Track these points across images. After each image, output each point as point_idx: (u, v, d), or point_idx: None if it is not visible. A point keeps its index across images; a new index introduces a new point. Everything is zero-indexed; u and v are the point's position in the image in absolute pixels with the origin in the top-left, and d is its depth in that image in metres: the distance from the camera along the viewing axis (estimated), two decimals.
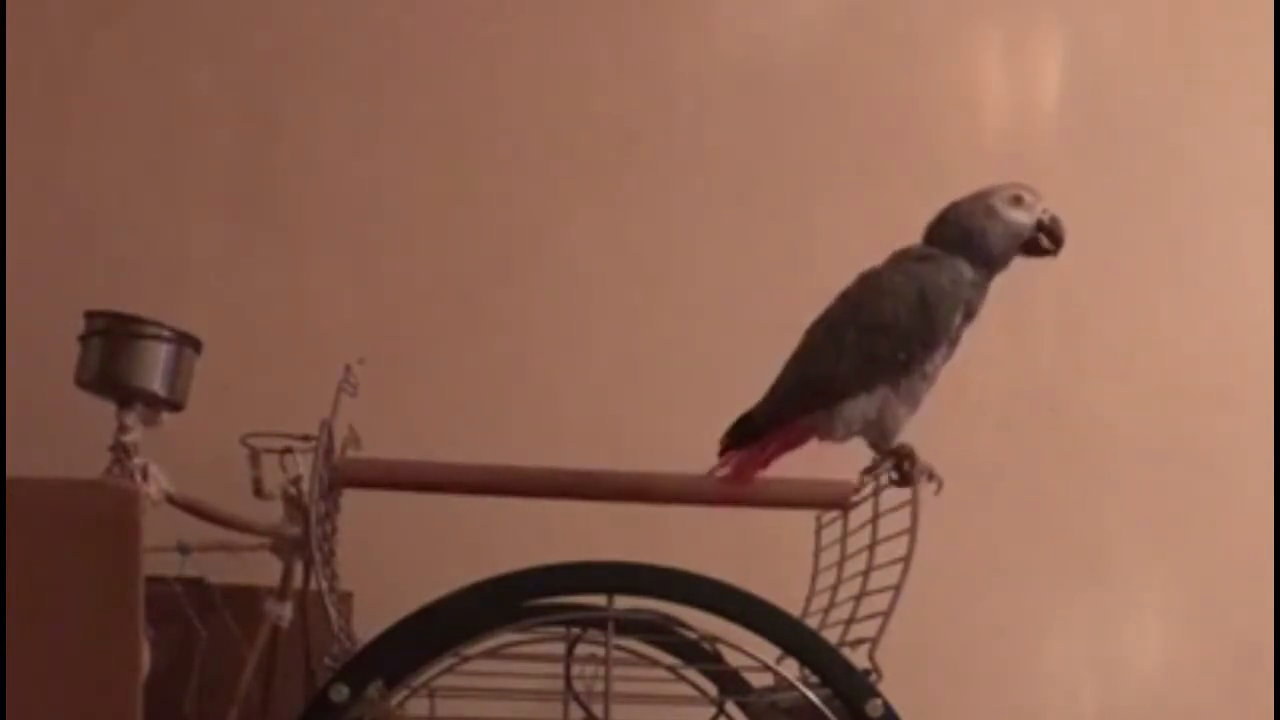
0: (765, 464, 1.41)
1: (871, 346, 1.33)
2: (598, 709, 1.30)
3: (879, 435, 1.35)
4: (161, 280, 2.10)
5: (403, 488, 1.62)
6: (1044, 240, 1.34)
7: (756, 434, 1.38)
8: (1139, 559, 2.19)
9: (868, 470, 1.40)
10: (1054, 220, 1.34)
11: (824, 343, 1.37)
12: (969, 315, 1.34)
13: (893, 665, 1.26)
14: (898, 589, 1.29)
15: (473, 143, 2.19)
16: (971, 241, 1.33)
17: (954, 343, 1.33)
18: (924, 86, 2.25)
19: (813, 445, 1.40)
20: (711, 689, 1.47)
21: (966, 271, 1.32)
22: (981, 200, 1.35)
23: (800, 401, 1.37)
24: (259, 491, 1.72)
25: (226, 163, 2.16)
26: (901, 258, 1.36)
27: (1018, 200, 1.34)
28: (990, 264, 1.34)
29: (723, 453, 1.40)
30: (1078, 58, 2.28)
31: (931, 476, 1.33)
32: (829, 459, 1.42)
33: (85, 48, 2.15)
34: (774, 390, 1.39)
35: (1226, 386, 2.22)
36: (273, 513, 1.74)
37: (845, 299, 1.38)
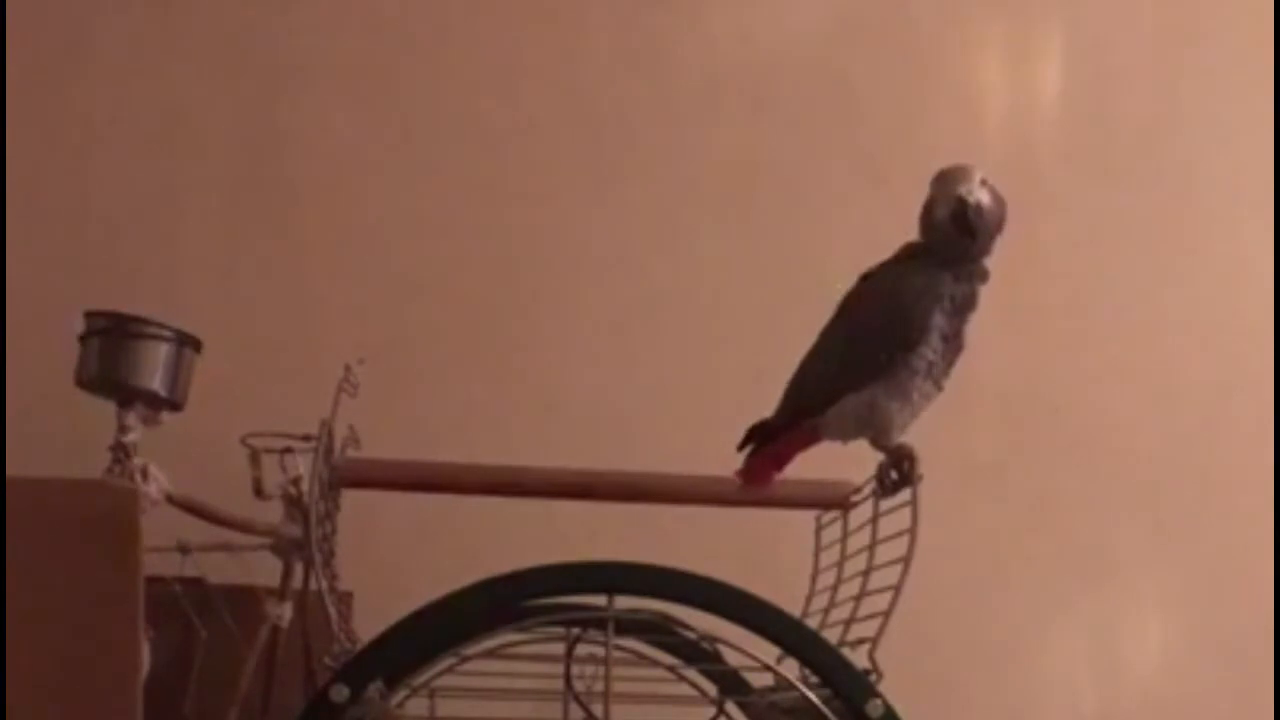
0: (780, 466, 1.42)
1: (853, 348, 1.34)
2: (598, 709, 1.30)
3: (876, 433, 1.35)
4: (161, 280, 2.10)
5: (403, 488, 1.63)
6: (964, 228, 1.28)
7: (770, 437, 1.39)
8: (1139, 559, 2.19)
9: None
10: (959, 202, 1.27)
11: (816, 347, 1.39)
12: (964, 308, 1.32)
13: (893, 665, 1.26)
14: (898, 589, 1.29)
15: (474, 143, 2.19)
16: (935, 235, 1.31)
17: (949, 337, 1.32)
18: (924, 87, 2.26)
19: (816, 445, 1.40)
20: (711, 689, 1.47)
21: (948, 265, 1.30)
22: (934, 189, 1.32)
23: (800, 405, 1.38)
24: (259, 491, 1.72)
25: (226, 163, 2.16)
26: (894, 258, 1.36)
27: (941, 190, 1.30)
28: (959, 253, 1.30)
29: (748, 459, 1.41)
30: (1078, 58, 2.28)
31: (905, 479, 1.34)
32: (830, 459, 1.42)
33: (85, 47, 2.15)
34: (784, 394, 1.40)
35: (1226, 387, 2.22)
36: (273, 513, 1.74)
37: (840, 303, 1.39)
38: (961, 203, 1.28)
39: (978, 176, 1.30)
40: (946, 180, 1.30)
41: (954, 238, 1.29)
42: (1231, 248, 2.26)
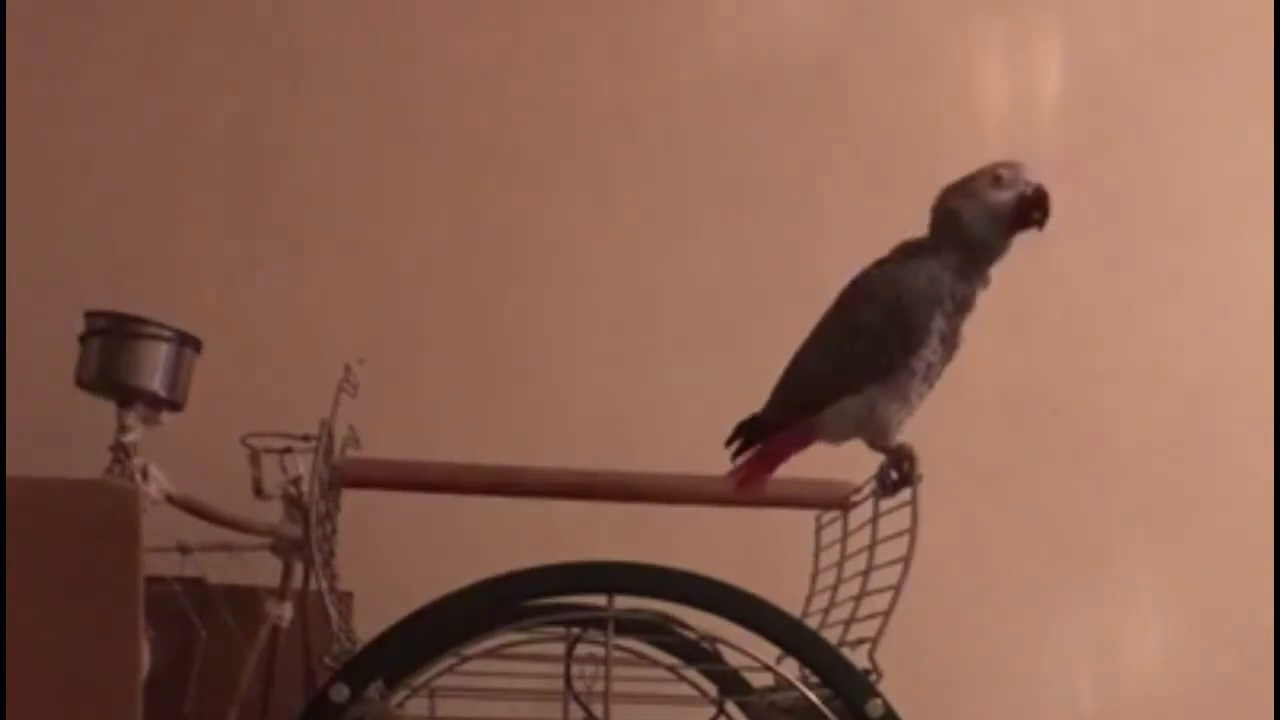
0: (773, 467, 1.41)
1: (852, 350, 1.32)
2: (598, 709, 1.30)
3: (874, 435, 1.35)
4: (161, 280, 2.10)
5: (403, 488, 1.63)
6: (1032, 212, 1.29)
7: (761, 437, 1.38)
8: (1139, 559, 2.19)
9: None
10: (1038, 191, 1.29)
11: (811, 347, 1.37)
12: (963, 309, 1.31)
13: (893, 665, 1.26)
14: (898, 589, 1.29)
15: (473, 143, 2.19)
16: (956, 232, 1.31)
17: (947, 339, 1.32)
18: (924, 86, 2.26)
19: (814, 445, 1.40)
20: (711, 689, 1.47)
21: (952, 265, 1.30)
22: (963, 186, 1.31)
23: (793, 406, 1.37)
24: (259, 491, 1.72)
25: (227, 163, 2.16)
26: (890, 257, 1.36)
27: (997, 180, 1.29)
28: (976, 252, 1.30)
29: (734, 456, 1.39)
30: (1078, 58, 2.28)
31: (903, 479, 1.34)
32: (830, 459, 1.42)
33: (86, 48, 2.15)
34: (774, 394, 1.39)
35: (1226, 386, 2.22)
36: (273, 513, 1.74)
37: (836, 301, 1.38)
38: (1037, 190, 1.28)
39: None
40: (990, 176, 1.29)
41: (993, 236, 1.29)
42: (1231, 247, 2.26)
